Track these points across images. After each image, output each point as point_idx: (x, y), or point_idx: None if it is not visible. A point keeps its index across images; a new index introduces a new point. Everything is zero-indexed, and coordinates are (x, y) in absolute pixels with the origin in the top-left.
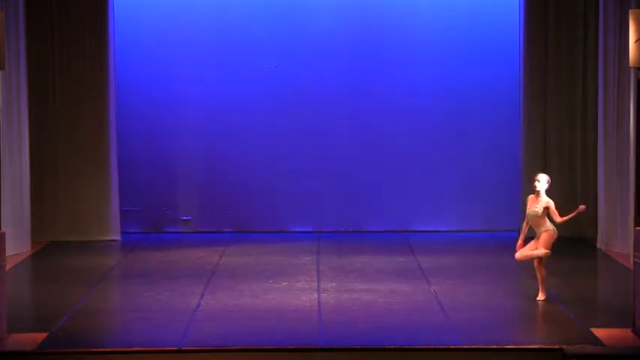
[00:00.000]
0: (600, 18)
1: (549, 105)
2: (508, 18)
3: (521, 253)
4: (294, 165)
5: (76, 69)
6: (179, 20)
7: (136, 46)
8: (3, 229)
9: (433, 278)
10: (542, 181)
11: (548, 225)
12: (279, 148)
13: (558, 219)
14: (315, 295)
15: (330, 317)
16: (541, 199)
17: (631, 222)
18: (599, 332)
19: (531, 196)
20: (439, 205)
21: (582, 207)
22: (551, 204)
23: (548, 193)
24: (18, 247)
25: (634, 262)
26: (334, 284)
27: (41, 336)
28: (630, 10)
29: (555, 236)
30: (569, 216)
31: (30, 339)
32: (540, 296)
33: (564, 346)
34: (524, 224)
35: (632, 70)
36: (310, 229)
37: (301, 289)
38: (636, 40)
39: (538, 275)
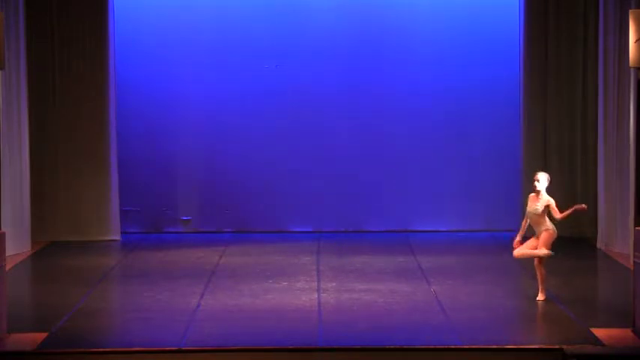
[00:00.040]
0: (600, 18)
1: (549, 105)
2: (508, 18)
3: (520, 251)
4: (294, 165)
5: (76, 69)
6: (179, 20)
7: (136, 46)
8: (3, 229)
9: (433, 278)
10: (542, 180)
11: (548, 224)
12: (279, 148)
13: (558, 215)
14: (315, 295)
15: (330, 317)
16: (542, 198)
17: (631, 222)
18: (599, 332)
19: (532, 195)
20: (439, 205)
21: (583, 206)
22: (552, 202)
23: (549, 193)
24: (18, 247)
25: (634, 262)
26: (334, 284)
27: (41, 336)
28: (630, 10)
29: (555, 236)
30: (568, 211)
31: (30, 339)
32: (540, 296)
33: (564, 346)
34: (524, 222)
35: (632, 70)
36: (310, 229)
37: (301, 289)
38: (636, 40)
39: (538, 275)
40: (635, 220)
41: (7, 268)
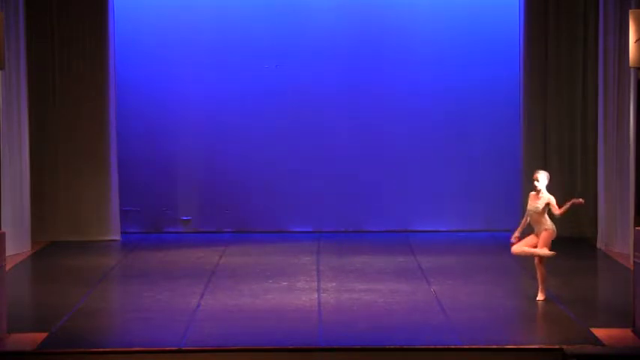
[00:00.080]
0: (600, 18)
1: (549, 105)
2: (508, 18)
3: (519, 248)
4: (294, 165)
5: (76, 69)
6: (179, 20)
7: (136, 46)
8: (3, 229)
9: (433, 278)
10: (542, 179)
11: (549, 223)
12: (279, 148)
13: (557, 211)
14: (315, 295)
15: (330, 317)
16: (542, 196)
17: (631, 222)
18: (599, 332)
19: (532, 193)
20: (439, 205)
21: (580, 200)
22: (552, 199)
23: (549, 192)
24: (18, 247)
25: (634, 262)
26: (334, 284)
27: (41, 336)
28: (630, 10)
29: (555, 235)
30: (566, 206)
31: (30, 339)
32: (540, 296)
33: (564, 346)
34: (524, 219)
35: (632, 70)
36: (310, 229)
37: (301, 289)
38: (636, 40)
39: (538, 274)
40: (635, 220)
41: (7, 268)
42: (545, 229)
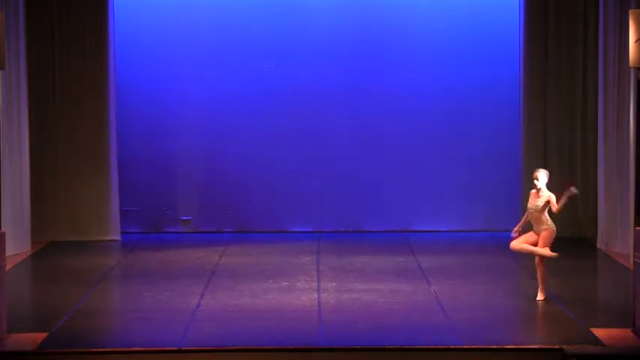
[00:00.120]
0: (600, 18)
1: (549, 105)
2: (508, 18)
3: (519, 245)
4: (294, 165)
5: (76, 69)
6: (179, 20)
7: (136, 46)
8: (3, 229)
9: (433, 278)
10: (542, 178)
11: (549, 222)
12: (279, 148)
13: (555, 208)
14: (315, 295)
15: (330, 317)
16: (542, 194)
17: (631, 222)
18: (599, 332)
19: (532, 192)
20: (439, 205)
21: (571, 189)
22: (552, 197)
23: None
24: (18, 247)
25: (634, 262)
26: (334, 284)
27: (41, 336)
28: (630, 10)
29: (554, 234)
30: (562, 200)
31: (30, 339)
32: (540, 296)
33: (564, 346)
34: (525, 217)
35: (632, 70)
36: (310, 229)
37: (301, 289)
38: (636, 40)
39: (538, 273)
40: (635, 220)
41: (7, 268)
42: (545, 229)
